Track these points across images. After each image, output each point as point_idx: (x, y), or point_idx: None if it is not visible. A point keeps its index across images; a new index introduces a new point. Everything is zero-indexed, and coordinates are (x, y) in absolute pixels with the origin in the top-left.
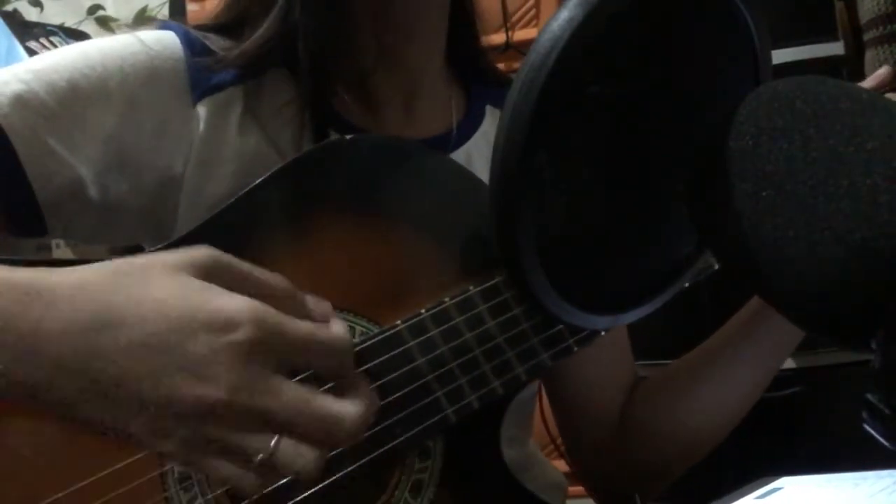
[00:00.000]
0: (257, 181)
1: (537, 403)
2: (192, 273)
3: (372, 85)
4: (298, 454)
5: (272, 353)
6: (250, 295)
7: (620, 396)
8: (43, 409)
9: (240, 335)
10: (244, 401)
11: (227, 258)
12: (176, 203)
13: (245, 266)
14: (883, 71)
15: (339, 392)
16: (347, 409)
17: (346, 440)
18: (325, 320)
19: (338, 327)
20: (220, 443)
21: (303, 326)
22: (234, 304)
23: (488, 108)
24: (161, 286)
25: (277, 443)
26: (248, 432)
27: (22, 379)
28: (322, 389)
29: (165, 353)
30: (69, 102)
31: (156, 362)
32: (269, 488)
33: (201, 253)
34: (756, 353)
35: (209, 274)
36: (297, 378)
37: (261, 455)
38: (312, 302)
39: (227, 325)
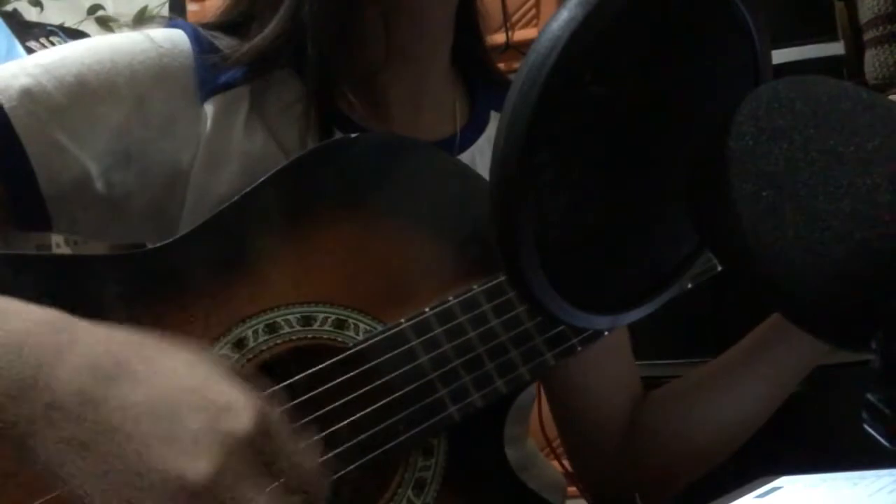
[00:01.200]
0: (260, 180)
1: (535, 404)
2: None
3: (379, 85)
4: None
5: (261, 455)
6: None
7: (624, 404)
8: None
9: (239, 425)
10: (226, 487)
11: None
12: (182, 200)
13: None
14: None
15: None
16: None
17: None
18: None
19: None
20: None
21: (296, 442)
22: (240, 394)
23: (493, 114)
24: (178, 358)
25: None
26: None
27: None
28: None
29: (165, 421)
30: (77, 97)
31: (154, 428)
32: None
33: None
34: (774, 371)
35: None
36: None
37: None
38: None
39: (228, 410)
